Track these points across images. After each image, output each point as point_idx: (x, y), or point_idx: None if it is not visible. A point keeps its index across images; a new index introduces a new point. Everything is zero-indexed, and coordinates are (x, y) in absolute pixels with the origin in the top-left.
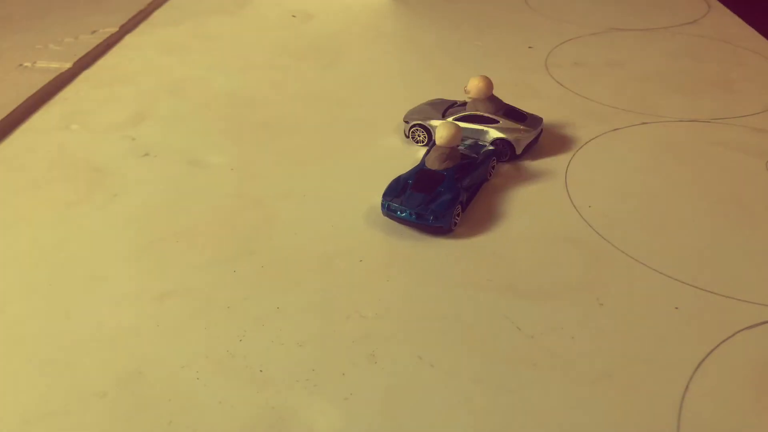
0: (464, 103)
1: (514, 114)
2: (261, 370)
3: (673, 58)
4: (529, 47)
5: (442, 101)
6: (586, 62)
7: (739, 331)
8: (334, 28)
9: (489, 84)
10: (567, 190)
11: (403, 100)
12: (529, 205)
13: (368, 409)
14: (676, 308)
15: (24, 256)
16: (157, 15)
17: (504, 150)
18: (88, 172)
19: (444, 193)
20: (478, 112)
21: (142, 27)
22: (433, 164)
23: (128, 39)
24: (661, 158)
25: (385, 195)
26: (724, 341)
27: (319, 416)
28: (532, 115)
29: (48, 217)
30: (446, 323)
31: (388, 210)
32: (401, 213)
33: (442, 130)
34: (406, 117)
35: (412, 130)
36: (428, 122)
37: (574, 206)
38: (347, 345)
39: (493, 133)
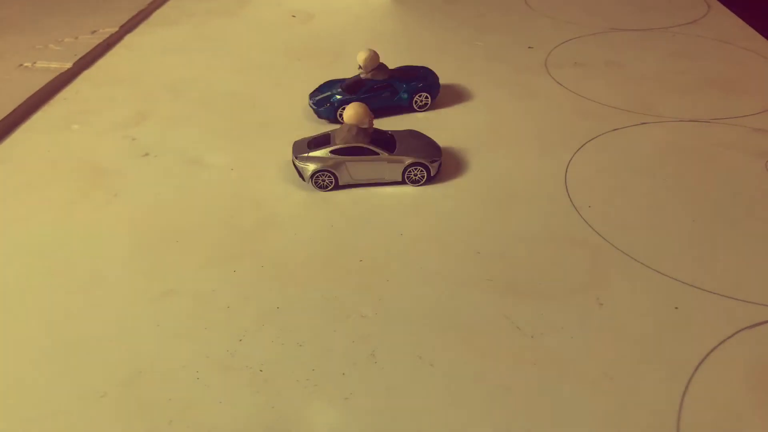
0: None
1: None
2: (261, 370)
3: (673, 58)
4: (529, 47)
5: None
6: (585, 62)
7: (739, 331)
8: (334, 29)
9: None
10: (567, 190)
11: None
12: (529, 205)
13: (368, 409)
14: (676, 308)
15: (24, 256)
16: (157, 15)
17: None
18: (89, 172)
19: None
20: (358, 144)
21: (142, 27)
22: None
23: (128, 39)
24: (660, 158)
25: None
26: (724, 341)
27: (319, 416)
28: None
29: (48, 216)
30: (446, 323)
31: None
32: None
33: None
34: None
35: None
36: (305, 160)
37: (574, 206)
38: (347, 345)
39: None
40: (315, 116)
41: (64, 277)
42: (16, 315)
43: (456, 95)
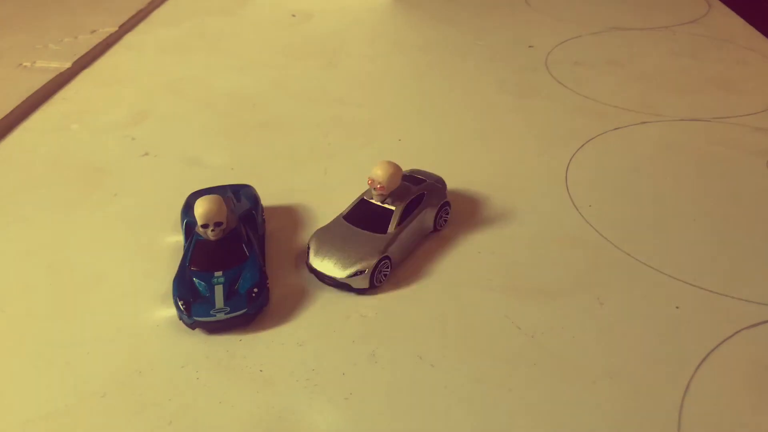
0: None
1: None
2: (261, 370)
3: (674, 57)
4: (530, 46)
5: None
6: (586, 61)
7: (739, 331)
8: (334, 28)
9: (399, 171)
10: (567, 190)
11: (403, 99)
12: (530, 205)
13: (369, 409)
14: (677, 308)
15: (24, 256)
16: (157, 14)
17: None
18: (88, 171)
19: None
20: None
21: (142, 26)
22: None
23: (128, 38)
24: (661, 158)
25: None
26: (724, 341)
27: (319, 416)
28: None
29: (48, 216)
30: (446, 323)
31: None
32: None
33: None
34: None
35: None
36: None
37: (575, 205)
38: (347, 345)
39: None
40: (312, 115)
41: (63, 276)
42: (16, 315)
43: (456, 94)
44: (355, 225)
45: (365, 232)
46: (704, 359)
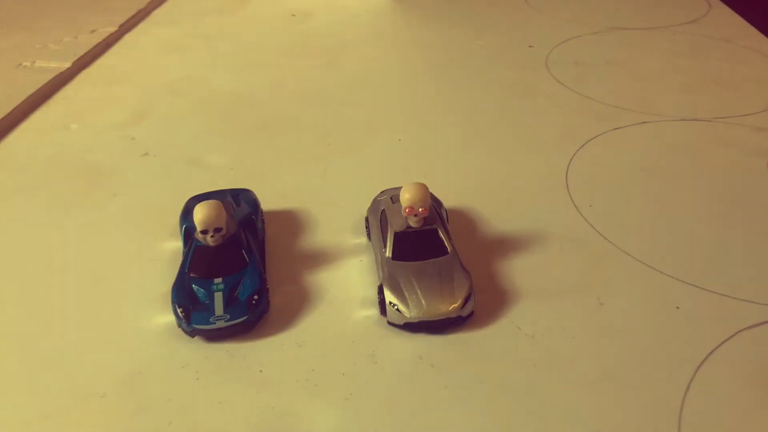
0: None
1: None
2: (261, 371)
3: (674, 57)
4: (530, 46)
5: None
6: (586, 61)
7: (740, 331)
8: (334, 28)
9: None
10: (568, 190)
11: (402, 99)
12: (530, 205)
13: (369, 409)
14: (677, 308)
15: (23, 256)
16: (157, 14)
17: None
18: (88, 171)
19: None
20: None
21: (142, 26)
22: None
23: (127, 38)
24: (662, 157)
25: None
26: (725, 341)
27: (319, 416)
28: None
29: (48, 216)
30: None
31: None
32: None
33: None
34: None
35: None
36: None
37: (575, 205)
38: (347, 345)
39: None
40: (311, 114)
41: (62, 277)
42: (16, 315)
43: (456, 94)
44: (409, 260)
45: (428, 261)
46: (705, 359)
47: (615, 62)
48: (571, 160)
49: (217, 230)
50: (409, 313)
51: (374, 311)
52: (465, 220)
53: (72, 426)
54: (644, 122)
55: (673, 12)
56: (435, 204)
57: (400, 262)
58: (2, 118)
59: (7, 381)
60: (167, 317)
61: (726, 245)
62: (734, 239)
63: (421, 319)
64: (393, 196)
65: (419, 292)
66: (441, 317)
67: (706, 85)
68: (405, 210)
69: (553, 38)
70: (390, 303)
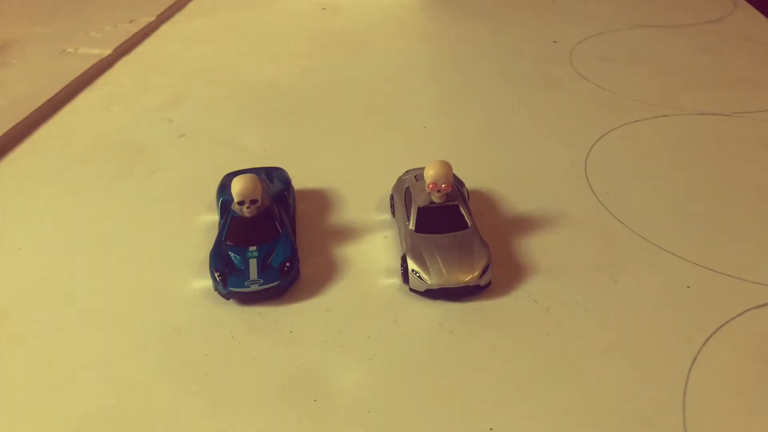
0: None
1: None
2: (291, 331)
3: (697, 54)
4: (554, 42)
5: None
6: (609, 57)
7: (748, 310)
8: (363, 21)
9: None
10: (586, 177)
11: (428, 89)
12: (550, 189)
13: (391, 369)
14: (688, 287)
15: (71, 226)
16: (192, 6)
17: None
18: (128, 150)
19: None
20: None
21: (178, 17)
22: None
23: (165, 28)
24: (679, 149)
25: None
26: (733, 318)
27: (345, 372)
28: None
29: (92, 190)
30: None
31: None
32: None
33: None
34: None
35: None
36: None
37: (593, 191)
38: (372, 311)
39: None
40: (339, 102)
41: (108, 245)
42: (67, 277)
43: (480, 85)
44: (431, 233)
45: (449, 234)
46: (713, 334)
47: (638, 58)
48: (591, 149)
49: (253, 202)
50: (430, 280)
51: (397, 280)
52: (486, 201)
53: (116, 375)
54: (664, 115)
55: (699, 10)
56: (457, 183)
57: (423, 235)
58: (48, 100)
59: (59, 333)
60: (204, 282)
61: (739, 231)
62: (747, 225)
63: (442, 286)
64: (417, 174)
65: (440, 262)
66: (460, 285)
67: (728, 82)
68: (428, 186)
69: (578, 34)
70: (413, 271)
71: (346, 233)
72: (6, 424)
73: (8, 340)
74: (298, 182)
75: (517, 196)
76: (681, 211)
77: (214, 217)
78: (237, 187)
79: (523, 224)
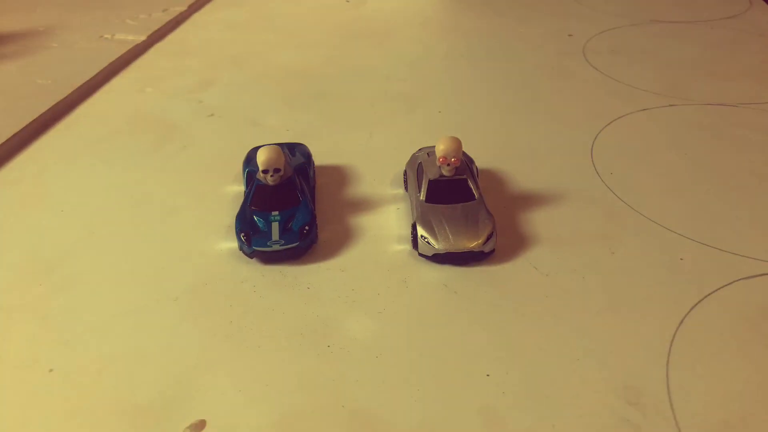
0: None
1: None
2: (308, 288)
3: (710, 48)
4: (569, 35)
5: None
6: (623, 50)
7: (737, 280)
8: (385, 14)
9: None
10: (592, 159)
11: (445, 77)
12: (556, 169)
13: (398, 322)
14: (681, 259)
15: (108, 191)
16: None
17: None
18: (161, 127)
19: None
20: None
21: (208, 7)
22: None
23: (195, 17)
24: (683, 135)
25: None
26: (722, 287)
27: (356, 324)
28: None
29: (127, 161)
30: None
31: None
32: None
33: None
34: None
35: None
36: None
37: (597, 172)
38: (383, 272)
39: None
40: (360, 88)
41: (143, 209)
42: (104, 237)
43: (494, 75)
44: (440, 203)
45: (458, 205)
46: (702, 300)
47: (650, 52)
48: (598, 134)
49: (276, 171)
50: (437, 245)
51: (407, 246)
52: (495, 178)
53: (149, 320)
54: (672, 105)
55: (715, 7)
56: (467, 160)
57: (433, 205)
58: (86, 81)
59: (98, 283)
60: (230, 243)
61: (735, 211)
62: (742, 206)
63: (448, 251)
64: (429, 152)
65: (447, 229)
66: (465, 251)
67: (737, 75)
68: (439, 159)
69: (593, 28)
70: (422, 236)
71: (362, 204)
72: (53, 356)
73: (53, 288)
74: (319, 159)
75: (525, 175)
76: (680, 192)
77: (239, 188)
78: (262, 156)
79: (529, 200)
